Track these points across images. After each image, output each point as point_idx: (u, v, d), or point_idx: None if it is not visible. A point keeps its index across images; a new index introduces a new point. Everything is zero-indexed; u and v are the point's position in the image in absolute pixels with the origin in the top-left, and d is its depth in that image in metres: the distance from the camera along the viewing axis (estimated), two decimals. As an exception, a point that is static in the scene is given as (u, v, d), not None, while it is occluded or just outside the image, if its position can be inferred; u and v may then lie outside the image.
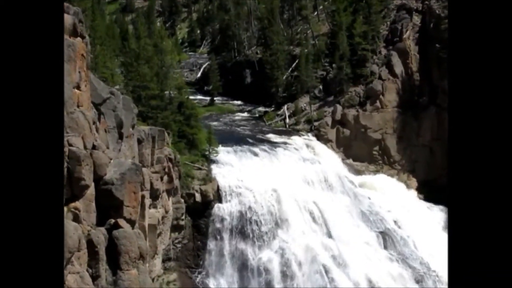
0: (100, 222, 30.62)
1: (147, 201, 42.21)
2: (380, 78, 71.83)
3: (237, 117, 79.88)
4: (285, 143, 66.70)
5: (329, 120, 70.85)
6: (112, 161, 32.36)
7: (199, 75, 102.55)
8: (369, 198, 64.49)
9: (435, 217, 65.92)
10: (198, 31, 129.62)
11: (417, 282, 57.61)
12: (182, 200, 52.78)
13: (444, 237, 63.10)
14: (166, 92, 58.32)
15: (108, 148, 34.43)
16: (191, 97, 66.88)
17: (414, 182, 69.41)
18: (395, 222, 62.83)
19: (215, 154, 59.12)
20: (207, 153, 58.62)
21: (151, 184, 44.20)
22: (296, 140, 68.21)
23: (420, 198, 67.78)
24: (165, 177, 48.55)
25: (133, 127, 42.04)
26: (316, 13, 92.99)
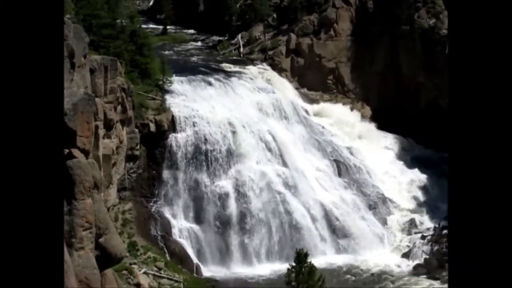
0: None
1: (101, 131, 41.81)
2: (334, 6, 71.39)
3: (190, 47, 79.05)
4: (239, 72, 66.39)
5: (283, 49, 70.48)
6: (64, 91, 31.82)
7: (151, 3, 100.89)
8: (323, 127, 64.91)
9: (388, 144, 66.79)
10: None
11: (371, 208, 58.65)
12: (137, 130, 52.47)
13: (397, 165, 64.21)
14: (118, 21, 57.25)
15: (59, 77, 33.80)
16: (143, 26, 65.80)
17: (368, 110, 69.92)
18: (349, 150, 63.50)
19: (169, 84, 58.64)
20: (160, 83, 58.11)
21: (105, 114, 43.74)
22: (250, 69, 67.92)
23: (374, 126, 68.35)
24: (119, 107, 48.10)
25: (85, 56, 41.27)
26: None
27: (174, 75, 60.15)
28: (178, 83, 59.92)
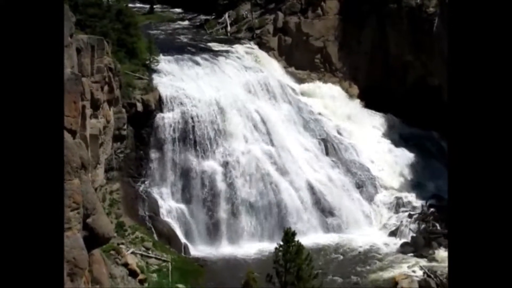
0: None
1: (88, 111, 41.62)
2: (321, -16, 71.11)
3: (177, 26, 78.68)
4: (226, 51, 66.17)
5: (270, 28, 70.21)
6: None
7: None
8: (311, 106, 64.85)
9: (376, 124, 66.85)
10: None
11: (358, 187, 58.82)
12: (124, 110, 52.26)
13: (385, 144, 64.31)
14: (104, 0, 56.82)
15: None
16: (129, 5, 65.30)
17: (355, 89, 69.84)
18: (336, 129, 63.55)
19: (156, 64, 58.40)
20: (147, 62, 57.84)
21: (92, 94, 43.54)
22: (237, 48, 67.68)
23: (361, 105, 68.39)
24: (106, 87, 47.84)
25: (71, 36, 40.92)
26: None
27: (161, 54, 59.89)
28: (165, 63, 59.68)
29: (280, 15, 70.36)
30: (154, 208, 52.59)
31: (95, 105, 45.01)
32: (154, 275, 46.29)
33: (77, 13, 49.32)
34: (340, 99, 67.84)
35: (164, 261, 47.98)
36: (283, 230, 33.16)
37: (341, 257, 51.97)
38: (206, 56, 63.28)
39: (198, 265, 49.84)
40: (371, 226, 56.77)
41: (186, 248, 51.27)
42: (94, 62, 45.75)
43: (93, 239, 28.87)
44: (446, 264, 50.15)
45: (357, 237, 54.98)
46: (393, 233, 55.41)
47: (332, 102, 66.90)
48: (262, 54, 68.17)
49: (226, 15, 75.26)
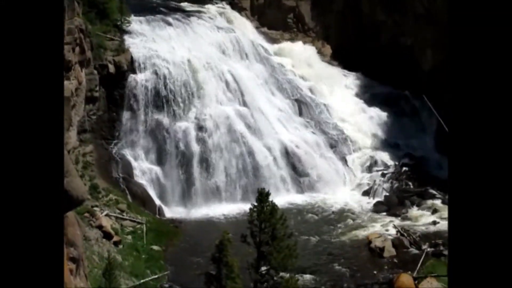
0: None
1: (59, 73, 41.14)
2: None
3: (148, -14, 77.68)
4: (199, 12, 65.63)
5: (242, -13, 69.70)
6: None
7: None
8: (284, 66, 64.68)
9: (348, 83, 66.85)
10: None
11: (331, 147, 59.01)
12: (95, 72, 51.82)
13: (357, 103, 64.42)
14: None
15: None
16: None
17: (328, 49, 69.74)
18: (309, 89, 63.49)
19: (127, 24, 57.79)
20: (119, 23, 57.19)
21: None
22: (210, 8, 67.17)
23: (334, 65, 68.35)
24: (77, 48, 47.32)
25: (40, -4, 40.37)
26: None
27: (132, 15, 59.27)
28: (136, 23, 59.08)
29: (252, -26, 69.78)
30: (128, 170, 52.42)
31: (67, 67, 44.51)
32: (129, 237, 46.34)
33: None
34: (313, 59, 67.68)
35: (138, 223, 48.00)
36: (257, 191, 33.18)
37: (315, 216, 52.27)
38: (178, 16, 62.72)
39: (173, 226, 49.94)
40: (345, 186, 57.09)
41: (160, 209, 51.29)
42: (64, 23, 45.12)
43: (67, 201, 28.71)
44: (418, 222, 50.85)
45: (330, 196, 55.32)
46: (366, 193, 55.83)
47: (305, 62, 66.72)
48: (234, 14, 67.69)
49: (198, -26, 74.36)
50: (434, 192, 54.70)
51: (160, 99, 54.75)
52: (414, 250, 46.17)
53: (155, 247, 45.93)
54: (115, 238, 44.64)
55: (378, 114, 63.19)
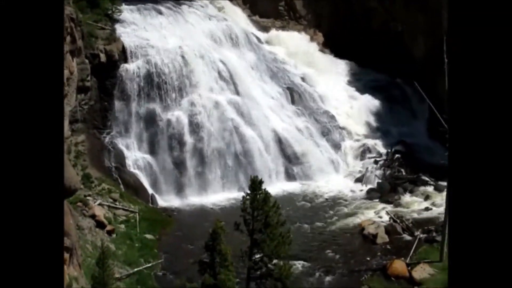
0: None
1: (50, 62, 40.95)
2: None
3: (139, -26, 77.36)
4: (190, 0, 65.41)
5: (234, -24, 69.51)
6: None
7: None
8: (276, 54, 64.65)
9: (340, 71, 66.90)
10: None
11: (324, 135, 59.09)
12: (87, 61, 51.65)
13: (349, 91, 64.48)
14: (64, -52, 55.68)
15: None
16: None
17: (320, 36, 69.68)
18: (301, 77, 63.50)
19: (118, 13, 57.57)
20: (110, 12, 56.96)
21: (53, 45, 42.84)
22: (201, -3, 66.97)
23: (326, 53, 68.34)
24: (68, 38, 47.04)
25: (30, -15, 40.17)
26: None
27: (123, 3, 59.02)
28: (127, 12, 58.90)
29: (243, -38, 69.58)
30: (120, 159, 52.41)
31: (58, 56, 44.33)
32: (122, 225, 46.38)
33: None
34: (305, 47, 67.66)
35: (131, 212, 48.05)
36: (250, 179, 33.22)
37: (308, 204, 52.41)
38: (169, 5, 62.60)
39: (166, 215, 50.00)
40: (337, 173, 57.21)
41: (153, 198, 51.33)
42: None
43: (60, 191, 28.74)
44: (411, 208, 51.05)
45: (323, 184, 55.47)
46: (359, 180, 55.97)
47: (297, 49, 66.67)
48: (225, 3, 67.56)
49: (189, -38, 74.09)
50: (426, 178, 54.91)
51: (152, 88, 54.67)
52: (407, 237, 46.33)
53: (149, 236, 45.99)
54: (108, 227, 44.68)
55: (370, 102, 63.28)
